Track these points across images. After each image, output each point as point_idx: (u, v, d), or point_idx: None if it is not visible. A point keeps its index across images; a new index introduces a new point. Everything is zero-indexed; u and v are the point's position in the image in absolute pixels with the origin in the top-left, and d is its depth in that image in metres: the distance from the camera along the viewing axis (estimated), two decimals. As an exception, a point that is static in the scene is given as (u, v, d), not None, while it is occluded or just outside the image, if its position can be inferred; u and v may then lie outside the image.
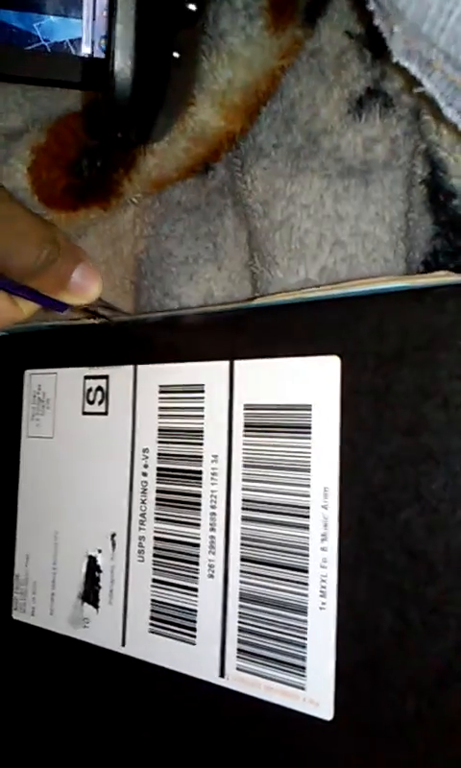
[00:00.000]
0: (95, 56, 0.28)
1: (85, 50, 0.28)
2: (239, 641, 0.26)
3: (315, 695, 0.24)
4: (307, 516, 0.24)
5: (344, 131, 0.27)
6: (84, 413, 0.31)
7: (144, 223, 0.32)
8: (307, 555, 0.24)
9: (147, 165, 0.30)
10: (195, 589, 0.27)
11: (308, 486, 0.24)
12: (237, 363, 0.26)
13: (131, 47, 0.23)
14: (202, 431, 0.27)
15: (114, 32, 0.24)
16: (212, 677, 0.26)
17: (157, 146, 0.30)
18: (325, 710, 0.23)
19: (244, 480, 0.26)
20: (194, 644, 0.27)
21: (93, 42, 0.29)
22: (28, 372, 0.34)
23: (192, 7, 0.24)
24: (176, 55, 0.25)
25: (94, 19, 0.28)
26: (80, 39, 0.29)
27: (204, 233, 0.32)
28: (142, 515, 0.29)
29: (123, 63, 0.23)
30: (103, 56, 0.28)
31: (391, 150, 0.26)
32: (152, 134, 0.27)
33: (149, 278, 0.32)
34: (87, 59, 0.28)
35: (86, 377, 0.31)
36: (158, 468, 0.28)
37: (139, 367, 0.29)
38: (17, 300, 0.28)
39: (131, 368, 0.30)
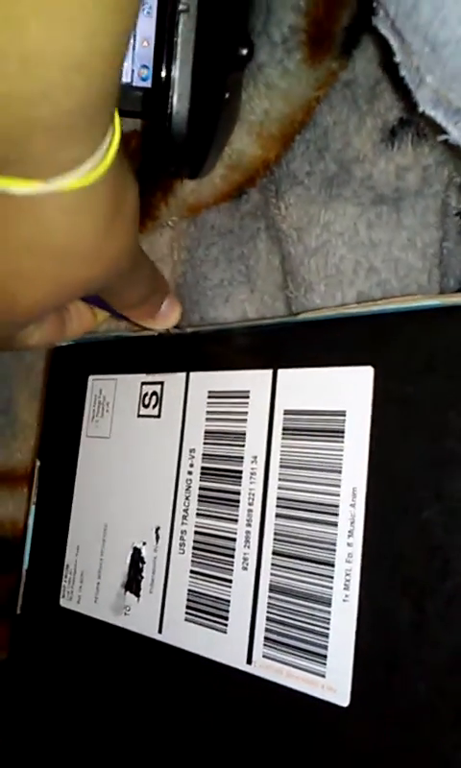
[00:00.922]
0: (134, 84, 0.30)
1: (125, 79, 0.30)
2: (267, 630, 0.27)
3: (333, 682, 0.25)
4: (336, 514, 0.26)
5: (376, 159, 0.29)
6: (139, 415, 0.34)
7: (180, 247, 0.35)
8: (334, 550, 0.26)
9: (184, 191, 0.33)
10: (229, 581, 0.29)
11: (339, 486, 0.26)
12: (280, 372, 0.29)
13: (187, 90, 0.26)
14: (244, 434, 0.29)
15: (173, 75, 0.26)
16: (240, 664, 0.28)
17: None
18: (341, 697, 0.25)
19: (280, 479, 0.28)
20: (225, 632, 0.29)
21: (133, 72, 0.31)
22: (91, 377, 0.37)
23: (244, 51, 0.27)
24: (226, 96, 0.27)
25: (134, 49, 0.30)
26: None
27: (237, 256, 0.34)
28: (185, 510, 0.31)
29: (180, 106, 0.26)
30: (142, 84, 0.30)
31: (423, 178, 0.28)
32: (202, 171, 0.30)
33: (187, 302, 0.34)
34: (134, 88, 0.30)
35: (143, 383, 0.34)
36: (202, 468, 0.31)
37: (191, 374, 0.32)
38: (95, 310, 0.32)
39: (183, 375, 0.32)
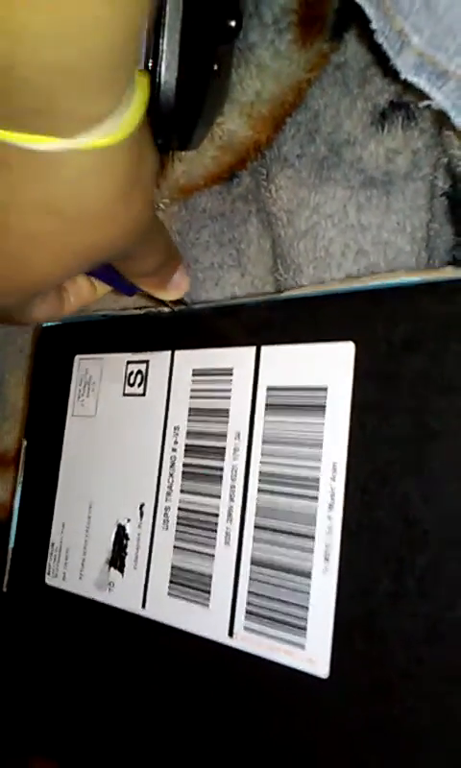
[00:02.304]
0: None
1: None
2: (248, 603, 0.28)
3: (313, 654, 0.25)
4: (317, 488, 0.26)
5: (366, 142, 0.29)
6: (125, 394, 0.34)
7: (171, 230, 0.35)
8: (314, 523, 0.26)
9: (175, 172, 0.33)
10: (212, 555, 0.29)
11: (320, 460, 0.26)
12: (264, 348, 0.29)
13: (175, 60, 0.26)
14: (228, 410, 0.30)
15: (160, 45, 0.26)
16: (222, 637, 0.28)
17: (185, 153, 0.32)
18: (321, 668, 0.25)
19: (262, 455, 0.28)
20: (208, 606, 0.29)
21: None
22: (77, 357, 0.37)
23: (232, 23, 0.27)
24: (215, 68, 0.27)
25: None
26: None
27: (228, 240, 0.34)
28: (169, 487, 0.31)
29: (168, 75, 0.26)
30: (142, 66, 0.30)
31: (412, 161, 0.29)
32: (191, 143, 0.30)
33: None
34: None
35: (129, 362, 0.34)
36: (186, 445, 0.31)
37: (176, 352, 0.32)
38: (94, 282, 0.31)
39: (169, 353, 0.32)
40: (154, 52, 0.26)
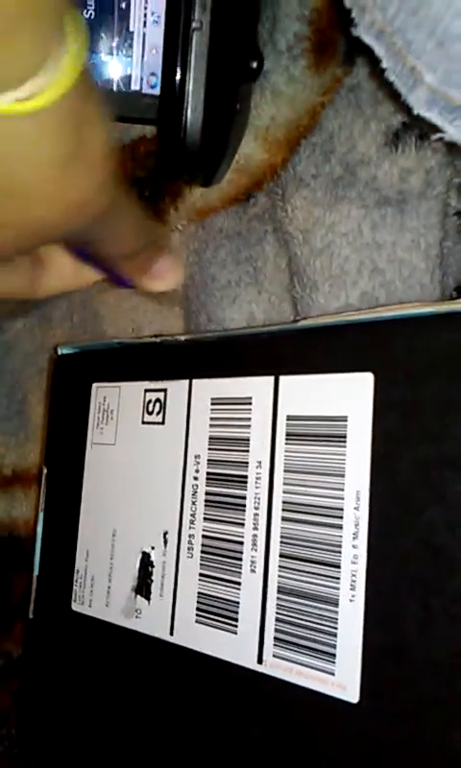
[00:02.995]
0: (144, 91, 0.31)
1: (134, 86, 0.31)
2: (276, 630, 0.28)
3: (343, 680, 0.26)
4: (341, 517, 0.27)
5: (380, 162, 0.30)
6: (144, 422, 0.35)
7: (188, 249, 0.35)
8: (340, 552, 0.27)
9: (193, 195, 0.33)
10: (238, 583, 0.30)
11: (342, 489, 0.27)
12: (282, 378, 0.29)
13: (201, 103, 0.26)
14: (248, 439, 0.30)
15: (186, 87, 0.27)
16: (251, 663, 0.29)
17: (203, 178, 0.33)
18: (351, 694, 0.26)
19: (285, 484, 0.29)
20: (236, 633, 0.29)
21: (142, 79, 0.31)
22: (95, 385, 0.37)
23: (254, 64, 0.28)
24: (237, 107, 0.28)
25: (143, 57, 0.31)
26: (129, 77, 0.32)
27: (244, 258, 0.34)
28: (192, 515, 0.32)
29: (194, 118, 0.26)
30: (151, 91, 0.31)
31: (426, 180, 0.29)
32: (215, 179, 0.31)
33: (195, 303, 0.35)
34: (143, 95, 0.31)
35: (147, 390, 0.35)
36: (208, 473, 0.31)
37: (194, 381, 0.33)
38: (83, 270, 0.29)
39: (186, 382, 0.33)
40: (180, 94, 0.26)
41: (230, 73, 0.28)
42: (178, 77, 0.27)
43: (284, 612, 0.28)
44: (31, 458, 0.48)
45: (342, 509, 0.27)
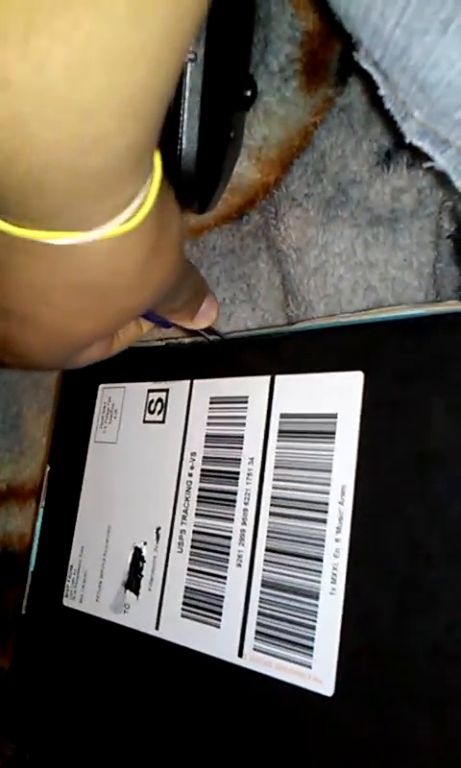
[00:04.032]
0: None
1: None
2: (258, 624, 0.28)
3: (319, 673, 0.26)
4: (326, 512, 0.27)
5: (372, 181, 0.31)
6: (145, 421, 0.35)
7: None
8: (323, 545, 0.27)
9: (186, 214, 0.35)
10: (224, 577, 0.30)
11: (329, 484, 0.27)
12: (278, 377, 0.30)
13: (195, 133, 0.27)
14: (242, 436, 0.31)
15: (181, 118, 0.28)
16: (232, 657, 0.29)
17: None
18: (326, 687, 0.26)
19: (274, 479, 0.29)
20: (219, 627, 0.30)
21: None
22: (101, 386, 0.39)
23: (248, 93, 0.29)
24: (231, 135, 0.29)
25: None
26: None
27: (238, 275, 0.35)
28: (185, 510, 0.32)
29: (189, 148, 0.27)
30: None
31: (418, 200, 0.30)
32: (209, 207, 0.32)
33: None
34: None
35: (150, 390, 0.36)
36: (202, 470, 0.32)
37: (195, 381, 0.34)
38: (140, 321, 0.33)
39: (187, 382, 0.34)
40: (174, 124, 0.27)
41: (225, 102, 0.29)
42: (172, 108, 0.28)
43: (266, 606, 0.28)
44: (26, 473, 0.48)
45: (327, 503, 0.27)
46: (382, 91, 0.25)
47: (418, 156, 0.31)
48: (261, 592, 0.29)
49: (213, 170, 0.31)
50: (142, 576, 0.33)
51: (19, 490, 0.49)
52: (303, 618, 0.27)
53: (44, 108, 0.15)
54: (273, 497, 0.29)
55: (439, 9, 0.22)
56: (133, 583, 0.34)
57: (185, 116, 0.28)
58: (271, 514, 0.29)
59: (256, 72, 0.32)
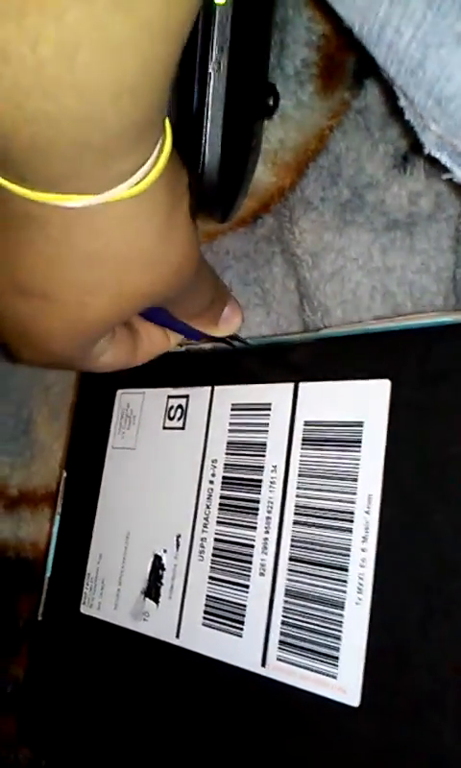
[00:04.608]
0: None
1: None
2: (281, 634, 0.28)
3: (345, 683, 0.26)
4: (352, 521, 0.27)
5: (389, 184, 0.30)
6: (165, 428, 0.35)
7: None
8: (348, 555, 0.27)
9: (201, 217, 0.34)
10: (246, 586, 0.30)
11: (355, 494, 0.27)
12: (301, 385, 0.30)
13: (218, 143, 0.27)
14: (265, 444, 0.31)
15: (205, 128, 0.28)
16: (255, 666, 0.29)
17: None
18: (352, 697, 0.26)
19: (298, 488, 0.29)
20: (241, 636, 0.29)
21: None
22: (119, 391, 0.38)
23: (271, 101, 0.29)
24: (253, 143, 0.29)
25: None
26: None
27: (253, 279, 0.35)
28: (206, 518, 0.32)
29: (211, 157, 0.27)
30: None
31: (436, 203, 0.30)
32: (231, 215, 0.32)
33: None
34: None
35: (169, 397, 0.36)
36: (224, 477, 0.32)
37: (216, 388, 0.33)
38: (168, 333, 0.33)
39: (208, 388, 0.34)
40: (196, 132, 0.27)
41: (247, 111, 0.29)
42: (194, 116, 0.28)
43: (290, 615, 0.28)
44: (37, 478, 0.48)
45: (353, 513, 0.27)
46: (402, 103, 0.25)
47: (436, 165, 0.31)
48: (285, 602, 0.28)
49: (235, 178, 0.30)
50: (162, 584, 0.33)
51: (31, 495, 0.49)
52: (328, 628, 0.27)
53: (42, 83, 0.16)
54: (297, 506, 0.29)
55: (454, 21, 0.22)
56: (152, 591, 0.33)
57: (208, 125, 0.28)
58: (295, 523, 0.29)
59: (272, 76, 0.31)
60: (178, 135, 0.29)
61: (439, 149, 0.25)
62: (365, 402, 0.28)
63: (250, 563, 0.30)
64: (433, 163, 0.31)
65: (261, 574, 0.29)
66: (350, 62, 0.31)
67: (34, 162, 0.19)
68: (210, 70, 0.27)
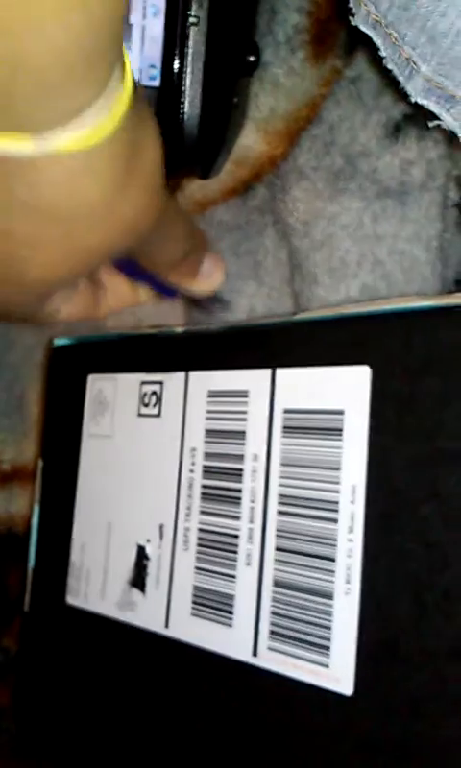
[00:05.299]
0: (142, 83, 0.30)
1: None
2: (271, 624, 0.28)
3: (337, 672, 0.26)
4: (336, 511, 0.27)
5: (381, 153, 0.30)
6: (140, 415, 0.34)
7: None
8: (335, 545, 0.27)
9: (191, 187, 0.33)
10: (233, 576, 0.30)
11: (338, 483, 0.27)
12: (279, 371, 0.29)
13: (198, 96, 0.26)
14: (245, 432, 0.30)
15: (184, 80, 0.27)
16: (246, 656, 0.29)
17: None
18: (345, 686, 0.26)
19: (281, 477, 0.29)
20: (231, 626, 0.29)
21: (141, 71, 0.30)
22: (91, 376, 0.37)
23: (252, 58, 0.28)
24: (235, 100, 0.28)
25: (142, 49, 0.30)
26: (129, 68, 0.31)
27: (244, 251, 0.34)
28: (188, 508, 0.32)
29: (191, 110, 0.26)
30: (150, 83, 0.30)
31: (427, 172, 0.29)
32: (212, 172, 0.31)
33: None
34: (142, 87, 0.30)
35: (143, 383, 0.35)
36: (204, 466, 0.31)
37: (191, 373, 0.32)
38: (136, 287, 0.30)
39: (183, 374, 0.33)
40: (177, 88, 0.26)
41: (228, 67, 0.28)
42: (175, 71, 0.27)
43: (280, 605, 0.28)
44: (29, 454, 0.48)
45: (338, 502, 0.27)
46: (383, 52, 0.24)
47: (427, 129, 0.30)
48: (273, 592, 0.28)
49: (216, 135, 0.29)
50: (148, 574, 0.33)
51: (23, 470, 0.49)
52: (319, 618, 0.27)
53: None
54: (281, 495, 0.29)
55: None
56: (138, 581, 0.33)
57: (188, 80, 0.27)
58: (279, 512, 0.28)
59: (263, 43, 0.30)
60: (160, 94, 0.28)
61: (426, 95, 0.24)
62: (345, 390, 0.27)
63: (236, 552, 0.30)
64: (425, 133, 0.30)
65: (248, 564, 0.29)
66: (342, 30, 0.30)
67: None
68: (190, 22, 0.26)
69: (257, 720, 0.28)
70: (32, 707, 0.37)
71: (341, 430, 0.27)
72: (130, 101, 0.19)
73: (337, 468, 0.27)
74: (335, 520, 0.27)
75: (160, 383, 0.34)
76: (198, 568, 0.31)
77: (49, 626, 0.37)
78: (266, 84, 0.31)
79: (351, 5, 0.25)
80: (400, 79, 0.25)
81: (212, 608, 0.30)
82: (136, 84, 0.20)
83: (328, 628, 0.26)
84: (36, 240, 0.21)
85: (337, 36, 0.30)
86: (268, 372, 0.30)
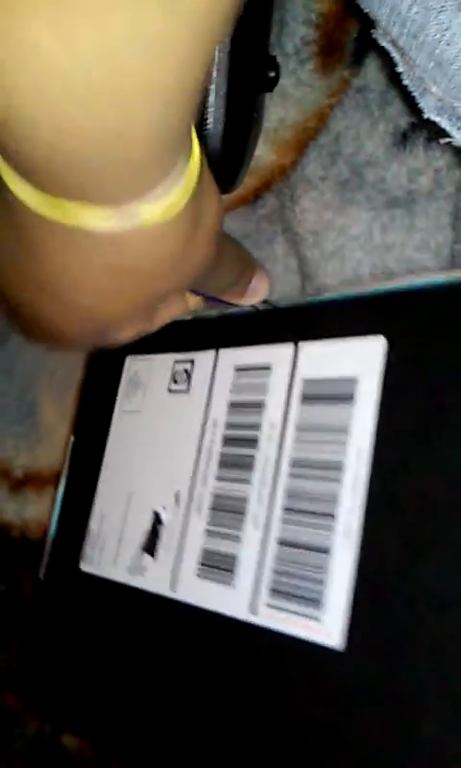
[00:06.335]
0: None
1: None
2: (272, 581, 0.29)
3: (329, 627, 0.27)
4: (341, 470, 0.28)
5: (389, 163, 0.31)
6: (170, 391, 0.36)
7: None
8: (337, 503, 0.28)
9: None
10: (239, 537, 0.31)
11: (345, 445, 0.28)
12: (301, 344, 0.31)
13: (222, 113, 0.28)
14: (264, 402, 0.32)
15: (209, 99, 0.29)
16: (245, 614, 0.29)
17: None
18: (336, 640, 0.26)
19: (294, 441, 0.30)
20: (233, 586, 0.30)
21: None
22: (128, 357, 0.40)
23: (272, 74, 0.30)
24: (255, 115, 0.30)
25: None
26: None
27: None
28: (205, 475, 0.33)
29: (215, 128, 0.28)
30: None
31: (435, 180, 0.31)
32: (235, 185, 0.32)
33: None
34: None
35: (176, 362, 0.37)
36: (224, 436, 0.33)
37: (220, 351, 0.34)
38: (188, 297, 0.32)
39: (213, 352, 0.35)
40: (201, 104, 0.28)
41: (249, 84, 0.30)
42: None
43: (281, 563, 0.29)
44: (42, 460, 0.49)
45: (343, 463, 0.28)
46: (400, 68, 0.26)
47: (436, 133, 0.32)
48: (277, 550, 0.29)
49: (239, 150, 0.31)
50: (160, 539, 0.34)
51: (36, 476, 0.50)
52: (315, 573, 0.28)
53: (68, 86, 0.14)
54: (292, 459, 0.30)
55: (454, -13, 0.23)
56: (150, 546, 0.34)
57: (212, 96, 0.29)
58: (289, 475, 0.30)
59: (272, 54, 0.32)
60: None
61: (439, 113, 0.26)
62: (360, 359, 0.29)
63: (244, 514, 0.31)
64: (433, 138, 0.32)
65: (255, 525, 0.30)
66: (349, 41, 0.32)
67: (54, 171, 0.17)
68: None
69: (253, 676, 0.28)
70: (43, 669, 0.38)
71: (352, 396, 0.28)
72: (200, 167, 0.20)
73: (345, 431, 0.28)
74: (339, 480, 0.28)
75: (192, 361, 0.36)
76: (208, 531, 0.32)
77: (60, 592, 0.38)
78: (275, 95, 0.32)
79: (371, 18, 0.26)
80: (415, 94, 0.26)
81: (217, 568, 0.31)
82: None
83: (323, 582, 0.27)
84: (113, 292, 0.23)
85: (345, 46, 0.31)
86: (291, 345, 0.31)
